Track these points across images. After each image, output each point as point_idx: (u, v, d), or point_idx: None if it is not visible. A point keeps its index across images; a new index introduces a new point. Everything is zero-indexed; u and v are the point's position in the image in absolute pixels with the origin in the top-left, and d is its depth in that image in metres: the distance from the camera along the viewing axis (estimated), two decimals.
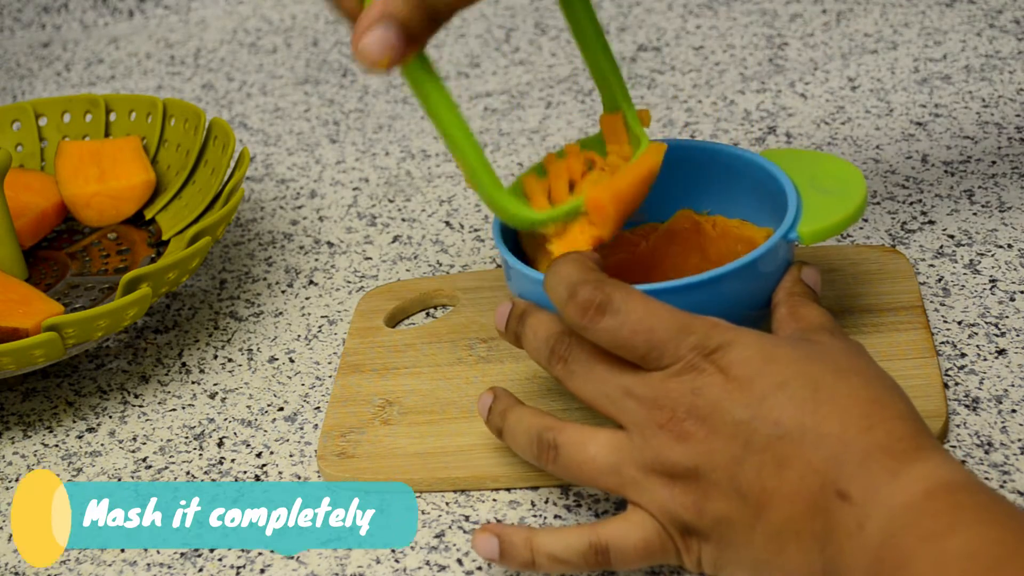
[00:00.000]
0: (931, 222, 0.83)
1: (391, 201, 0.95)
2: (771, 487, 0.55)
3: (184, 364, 0.82)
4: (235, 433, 0.76)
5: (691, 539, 0.58)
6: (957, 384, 0.71)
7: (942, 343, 0.73)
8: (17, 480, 0.75)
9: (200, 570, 0.68)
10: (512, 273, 0.69)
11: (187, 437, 0.76)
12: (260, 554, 0.68)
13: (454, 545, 0.66)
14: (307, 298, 0.86)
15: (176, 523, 0.70)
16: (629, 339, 0.60)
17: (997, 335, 0.73)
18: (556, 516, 0.67)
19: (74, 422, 0.79)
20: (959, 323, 0.75)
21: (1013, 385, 0.70)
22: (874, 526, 0.52)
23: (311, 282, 0.87)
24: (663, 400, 0.58)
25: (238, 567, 0.67)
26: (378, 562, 0.66)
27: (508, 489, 0.69)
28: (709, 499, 0.57)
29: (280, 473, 0.73)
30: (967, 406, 0.69)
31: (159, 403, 0.79)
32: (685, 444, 0.57)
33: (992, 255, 0.79)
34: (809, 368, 0.57)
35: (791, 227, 0.67)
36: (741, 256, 0.67)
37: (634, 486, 0.59)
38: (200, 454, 0.75)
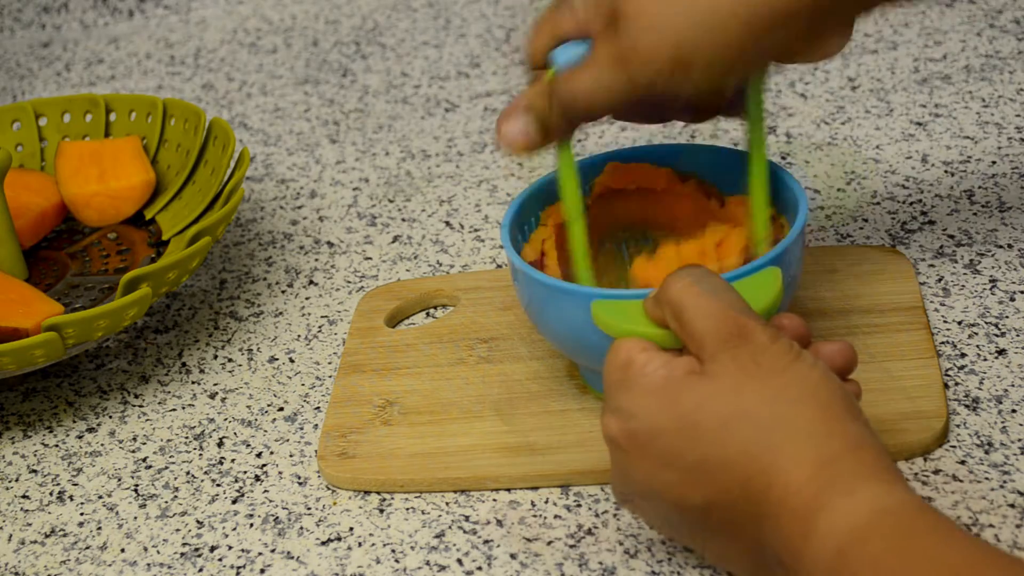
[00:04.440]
0: (931, 222, 0.83)
1: (391, 201, 0.95)
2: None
3: (184, 364, 0.82)
4: (235, 433, 0.76)
5: None
6: (957, 384, 0.71)
7: (942, 343, 0.73)
8: (17, 480, 0.75)
9: (200, 570, 0.68)
10: (520, 276, 0.69)
11: (187, 437, 0.76)
12: (260, 554, 0.68)
13: (454, 545, 0.66)
14: (307, 298, 0.86)
15: (176, 523, 0.70)
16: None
17: (997, 335, 0.73)
18: (556, 516, 0.67)
19: (74, 422, 0.79)
20: (959, 323, 0.75)
21: (1013, 385, 0.70)
22: None
23: (311, 282, 0.87)
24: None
25: (238, 567, 0.67)
26: (378, 562, 0.66)
27: (508, 489, 0.69)
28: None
29: (280, 473, 0.73)
30: (967, 406, 0.69)
31: (159, 403, 0.79)
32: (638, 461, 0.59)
33: (992, 255, 0.79)
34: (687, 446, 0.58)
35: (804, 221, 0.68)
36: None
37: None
38: (200, 454, 0.75)
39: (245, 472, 0.73)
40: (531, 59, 0.68)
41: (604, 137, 0.97)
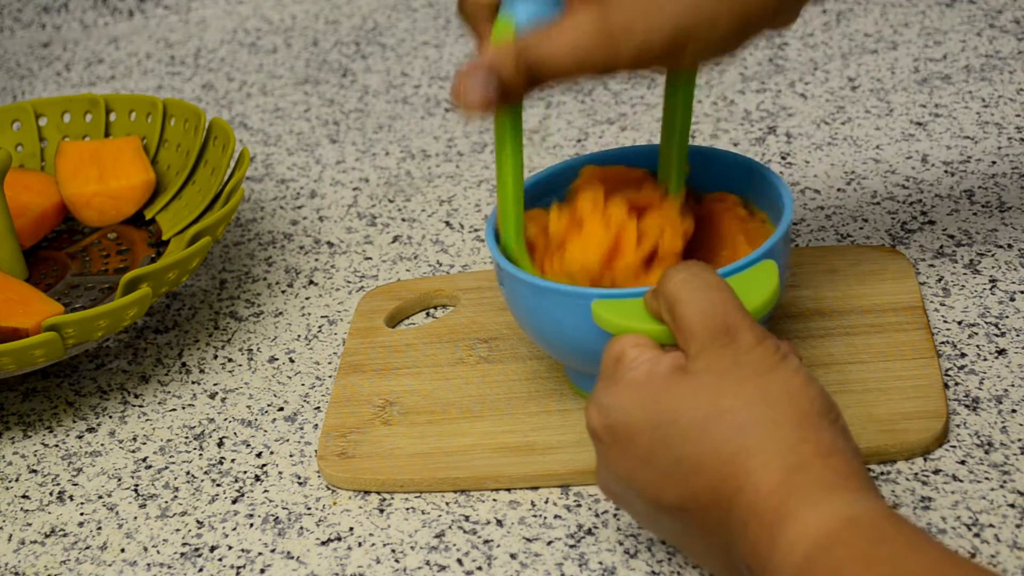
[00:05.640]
0: (931, 222, 0.83)
1: (391, 201, 0.95)
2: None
3: (184, 364, 0.82)
4: (235, 433, 0.76)
5: None
6: (957, 384, 0.71)
7: (942, 343, 0.73)
8: (17, 480, 0.75)
9: (200, 570, 0.68)
10: (502, 275, 0.69)
11: (187, 437, 0.76)
12: (260, 554, 0.68)
13: (454, 545, 0.66)
14: (307, 298, 0.86)
15: (176, 523, 0.70)
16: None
17: (997, 335, 0.73)
18: (556, 516, 0.67)
19: (74, 422, 0.79)
20: (959, 323, 0.75)
21: (1013, 385, 0.70)
22: None
23: (311, 282, 0.87)
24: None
25: (238, 567, 0.67)
26: (378, 562, 0.66)
27: (508, 489, 0.69)
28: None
29: (280, 473, 0.73)
30: (967, 406, 0.69)
31: (159, 403, 0.79)
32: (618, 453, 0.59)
33: (992, 255, 0.79)
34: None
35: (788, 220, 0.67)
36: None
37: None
38: (200, 454, 0.75)
39: (245, 472, 0.73)
40: (475, 6, 0.65)
41: (604, 137, 0.97)
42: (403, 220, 0.92)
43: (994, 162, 0.88)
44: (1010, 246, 0.80)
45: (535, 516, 0.67)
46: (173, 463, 0.75)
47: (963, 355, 0.72)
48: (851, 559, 0.51)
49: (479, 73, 0.63)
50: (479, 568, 0.65)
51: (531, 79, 0.63)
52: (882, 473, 0.66)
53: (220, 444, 0.75)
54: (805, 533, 0.52)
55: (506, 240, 0.69)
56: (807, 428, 0.55)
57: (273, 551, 0.68)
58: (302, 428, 0.75)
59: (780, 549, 0.52)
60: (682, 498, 0.56)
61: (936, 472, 0.66)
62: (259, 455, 0.74)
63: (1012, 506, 0.63)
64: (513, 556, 0.65)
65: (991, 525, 0.63)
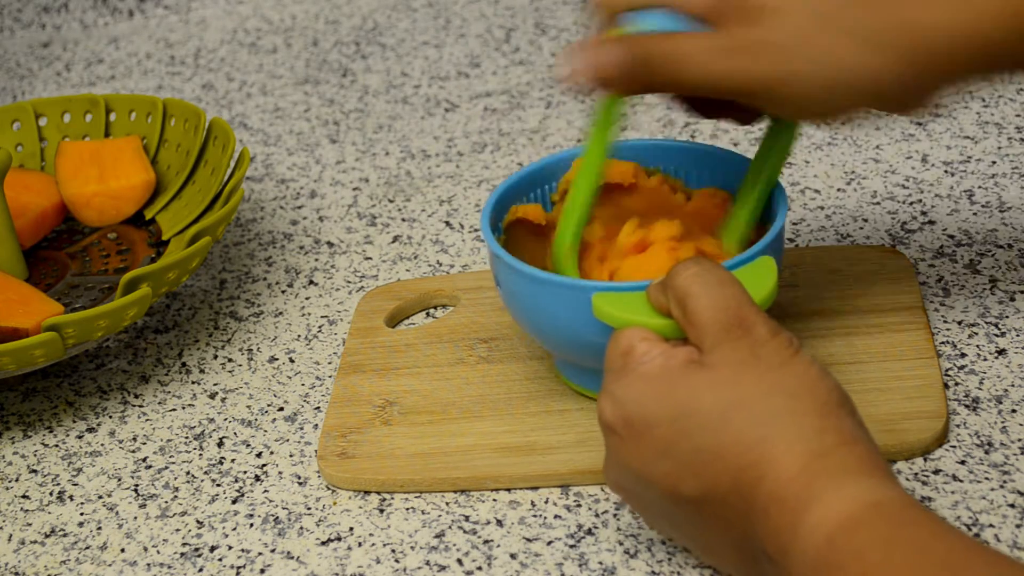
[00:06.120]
0: (931, 222, 0.83)
1: (391, 201, 0.95)
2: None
3: (184, 364, 0.82)
4: (235, 433, 0.76)
5: None
6: (957, 384, 0.71)
7: (942, 343, 0.73)
8: (17, 480, 0.75)
9: (200, 570, 0.68)
10: (499, 266, 0.69)
11: (187, 437, 0.76)
12: (260, 554, 0.68)
13: (454, 545, 0.66)
14: (307, 298, 0.86)
15: (176, 523, 0.70)
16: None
17: (997, 335, 0.73)
18: (556, 516, 0.67)
19: (74, 422, 0.79)
20: (959, 323, 0.75)
21: (1013, 385, 0.70)
22: None
23: (311, 282, 0.87)
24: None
25: (238, 567, 0.67)
26: (378, 562, 0.66)
27: (508, 489, 0.69)
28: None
29: (280, 473, 0.73)
30: (967, 406, 0.69)
31: (159, 403, 0.79)
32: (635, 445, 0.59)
33: (992, 255, 0.79)
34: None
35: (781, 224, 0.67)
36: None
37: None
38: (200, 454, 0.75)
39: (245, 472, 0.73)
40: (609, 7, 0.65)
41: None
42: (403, 220, 0.92)
43: (994, 162, 0.88)
44: (1010, 246, 0.80)
45: (535, 516, 0.67)
46: (173, 463, 0.75)
47: (963, 355, 0.72)
48: (874, 542, 0.51)
49: (608, 45, 0.63)
50: (479, 568, 0.65)
51: (643, 72, 0.63)
52: None
53: (220, 444, 0.75)
54: (828, 516, 0.52)
55: (563, 232, 0.68)
56: (828, 418, 0.55)
57: (273, 551, 0.68)
58: (302, 428, 0.75)
59: (802, 533, 0.52)
60: (701, 488, 0.56)
61: (936, 472, 0.66)
62: (259, 455, 0.74)
63: (1012, 506, 0.63)
64: (513, 556, 0.65)
65: (991, 525, 0.63)
